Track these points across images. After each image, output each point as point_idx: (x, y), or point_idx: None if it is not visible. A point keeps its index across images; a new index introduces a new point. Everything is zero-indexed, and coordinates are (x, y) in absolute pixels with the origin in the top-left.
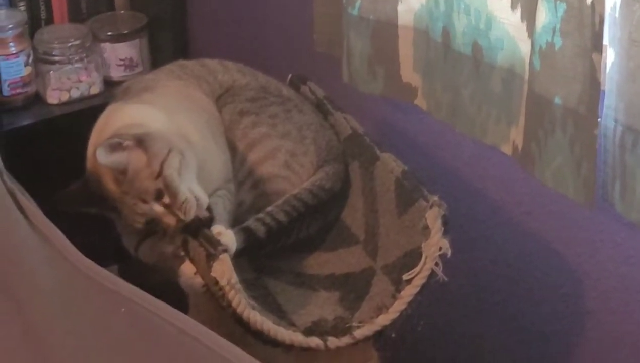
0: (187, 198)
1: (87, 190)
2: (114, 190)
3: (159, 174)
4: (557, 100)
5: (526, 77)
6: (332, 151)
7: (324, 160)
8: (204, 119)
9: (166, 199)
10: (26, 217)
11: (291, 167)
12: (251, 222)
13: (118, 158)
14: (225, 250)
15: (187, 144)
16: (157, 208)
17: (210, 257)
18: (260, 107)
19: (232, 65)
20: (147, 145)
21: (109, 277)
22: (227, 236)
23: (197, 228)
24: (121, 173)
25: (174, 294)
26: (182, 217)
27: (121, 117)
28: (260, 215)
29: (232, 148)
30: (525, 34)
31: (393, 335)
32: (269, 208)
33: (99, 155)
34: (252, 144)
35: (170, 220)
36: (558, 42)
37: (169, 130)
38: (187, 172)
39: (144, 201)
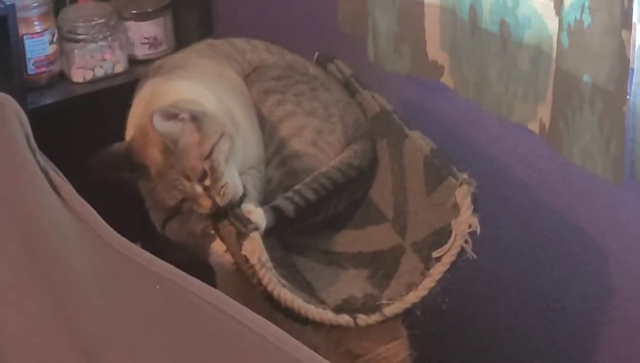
0: (227, 184)
1: (127, 156)
2: (159, 161)
3: (208, 156)
4: (586, 78)
5: (554, 55)
6: (360, 129)
7: (352, 137)
8: (242, 100)
9: (207, 181)
10: (60, 195)
11: (318, 144)
12: (280, 201)
13: (172, 127)
14: (256, 229)
15: (235, 128)
16: (198, 188)
17: (241, 236)
18: (285, 85)
19: (259, 44)
20: (202, 124)
21: (142, 255)
22: (257, 214)
23: (227, 212)
24: (171, 143)
25: (198, 272)
26: (218, 201)
27: (172, 91)
28: (289, 193)
29: (260, 126)
30: (553, 12)
31: (419, 313)
32: (297, 187)
33: (156, 119)
34: (278, 122)
35: (206, 203)
36: (587, 19)
37: (220, 112)
38: (233, 158)
39: (188, 178)
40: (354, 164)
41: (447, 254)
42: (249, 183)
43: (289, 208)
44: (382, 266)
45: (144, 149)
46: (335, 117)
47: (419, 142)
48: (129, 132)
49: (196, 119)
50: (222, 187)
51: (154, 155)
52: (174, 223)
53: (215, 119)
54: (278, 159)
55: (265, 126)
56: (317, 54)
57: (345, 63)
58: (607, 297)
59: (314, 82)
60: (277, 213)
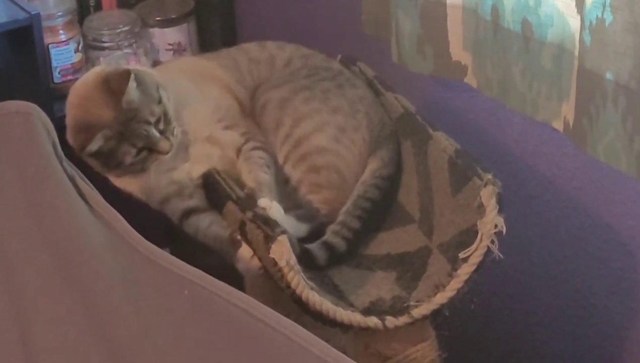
0: (176, 126)
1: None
2: (114, 117)
3: (160, 101)
4: (609, 76)
5: (576, 53)
6: (386, 128)
7: (377, 136)
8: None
9: (162, 125)
10: (87, 202)
11: (341, 141)
12: (330, 237)
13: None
14: (284, 232)
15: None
16: (155, 131)
17: (269, 239)
18: (314, 82)
19: (270, 43)
20: (142, 77)
21: (170, 260)
22: (274, 209)
23: (248, 203)
24: (127, 99)
25: (227, 276)
26: (172, 141)
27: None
28: (337, 227)
29: (278, 124)
30: (575, 10)
31: (447, 314)
32: (342, 218)
33: (131, 85)
34: (300, 118)
35: (164, 144)
36: (608, 17)
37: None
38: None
39: (148, 122)
40: (385, 175)
41: (473, 255)
42: (260, 169)
43: (341, 245)
44: (409, 268)
45: (94, 115)
46: (360, 114)
47: (443, 143)
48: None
49: (137, 74)
50: (174, 128)
51: (107, 115)
52: (194, 221)
53: (147, 71)
54: (296, 156)
55: (285, 123)
56: (339, 56)
57: (367, 65)
58: (635, 293)
59: (340, 78)
60: (329, 250)
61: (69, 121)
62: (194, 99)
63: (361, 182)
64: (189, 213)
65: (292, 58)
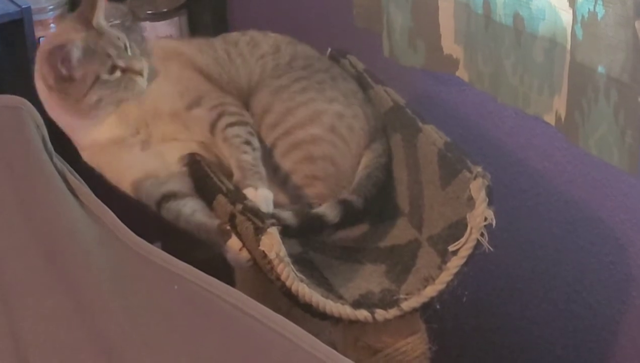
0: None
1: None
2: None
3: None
4: (600, 69)
5: (568, 46)
6: (378, 121)
7: (374, 128)
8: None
9: (129, 52)
10: (77, 197)
11: (337, 130)
12: (348, 196)
13: None
14: (274, 224)
15: None
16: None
17: (258, 231)
18: (310, 73)
19: (252, 31)
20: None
21: (160, 255)
22: (260, 197)
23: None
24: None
25: (219, 270)
26: (143, 62)
27: None
28: (354, 186)
29: (267, 110)
30: (567, 4)
31: (438, 307)
32: (358, 182)
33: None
34: (294, 107)
35: (137, 63)
36: (600, 11)
37: None
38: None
39: (118, 40)
40: (383, 163)
41: (463, 247)
42: (245, 150)
43: (358, 201)
44: (399, 261)
45: (66, 38)
46: (355, 106)
47: (433, 136)
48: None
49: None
50: (141, 58)
51: (78, 36)
52: (174, 206)
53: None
54: (286, 144)
55: (275, 109)
56: (329, 49)
57: (357, 58)
58: (626, 287)
59: (333, 70)
60: (345, 207)
61: (41, 53)
62: (153, 77)
63: (364, 168)
64: (167, 198)
65: (279, 44)
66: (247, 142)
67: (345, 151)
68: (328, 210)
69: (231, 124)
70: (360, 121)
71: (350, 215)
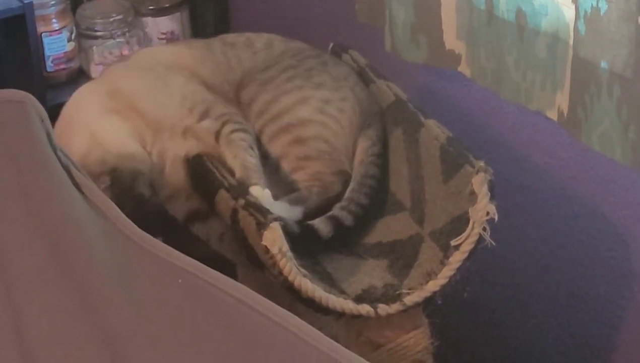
0: None
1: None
2: None
3: None
4: (603, 65)
5: (571, 42)
6: (373, 106)
7: (368, 112)
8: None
9: None
10: (81, 191)
11: (326, 112)
12: (337, 211)
13: None
14: (276, 219)
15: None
16: None
17: (261, 226)
18: (298, 60)
19: (248, 33)
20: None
21: (164, 249)
22: (266, 197)
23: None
24: None
25: (221, 265)
26: None
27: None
28: (344, 203)
29: (253, 99)
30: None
31: (440, 302)
32: (349, 195)
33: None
34: (280, 94)
35: None
36: (603, 6)
37: None
38: None
39: None
40: (377, 152)
41: (465, 242)
42: (244, 154)
43: (347, 218)
44: (401, 255)
45: None
46: (345, 88)
47: (435, 131)
48: None
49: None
50: None
51: None
52: (203, 229)
53: None
54: (273, 129)
55: (262, 97)
56: (331, 45)
57: (359, 53)
58: (628, 282)
59: (324, 56)
60: (335, 223)
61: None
62: (158, 91)
63: (359, 162)
64: (193, 217)
65: (272, 41)
66: (252, 147)
67: (338, 129)
68: (322, 225)
69: (236, 130)
70: (350, 102)
71: (340, 233)
